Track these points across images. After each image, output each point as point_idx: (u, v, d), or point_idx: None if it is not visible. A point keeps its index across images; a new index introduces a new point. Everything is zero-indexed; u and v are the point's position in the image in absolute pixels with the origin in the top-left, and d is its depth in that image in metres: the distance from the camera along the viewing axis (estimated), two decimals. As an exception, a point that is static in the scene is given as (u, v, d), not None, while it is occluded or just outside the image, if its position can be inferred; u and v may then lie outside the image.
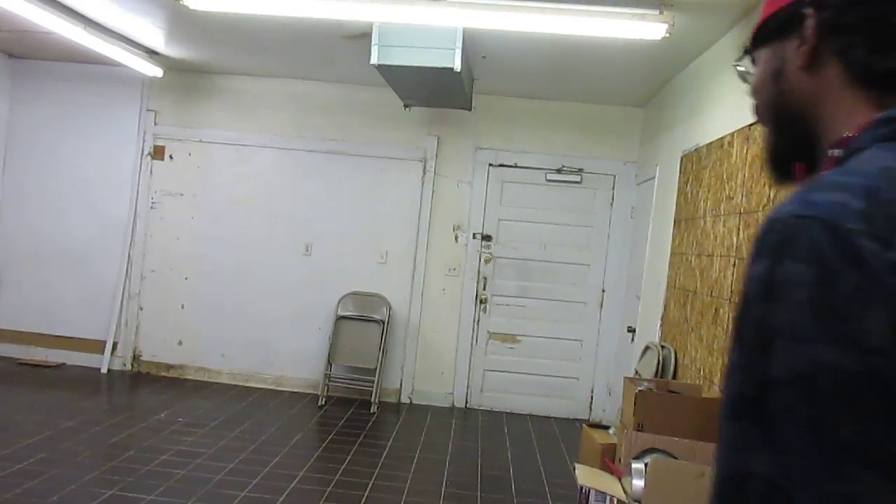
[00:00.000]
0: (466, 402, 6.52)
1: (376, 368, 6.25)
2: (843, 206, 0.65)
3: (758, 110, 0.94)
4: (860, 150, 0.73)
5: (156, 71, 6.19)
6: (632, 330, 5.58)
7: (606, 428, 4.12)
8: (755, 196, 3.27)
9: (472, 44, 4.68)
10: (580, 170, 6.43)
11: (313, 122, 6.60)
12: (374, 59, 4.31)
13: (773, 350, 0.63)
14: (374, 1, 3.79)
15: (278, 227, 6.61)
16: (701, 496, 2.22)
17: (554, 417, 6.41)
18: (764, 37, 0.90)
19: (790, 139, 0.88)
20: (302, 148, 6.60)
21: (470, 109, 6.12)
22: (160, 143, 6.72)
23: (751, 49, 0.94)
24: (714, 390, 3.49)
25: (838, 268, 0.62)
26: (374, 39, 4.28)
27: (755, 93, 0.93)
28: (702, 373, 3.75)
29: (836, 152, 0.77)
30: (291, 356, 6.61)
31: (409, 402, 6.53)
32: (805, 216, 0.65)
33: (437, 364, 6.52)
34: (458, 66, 4.27)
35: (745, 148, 3.47)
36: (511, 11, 3.78)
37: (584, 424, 4.31)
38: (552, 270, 6.47)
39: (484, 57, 5.12)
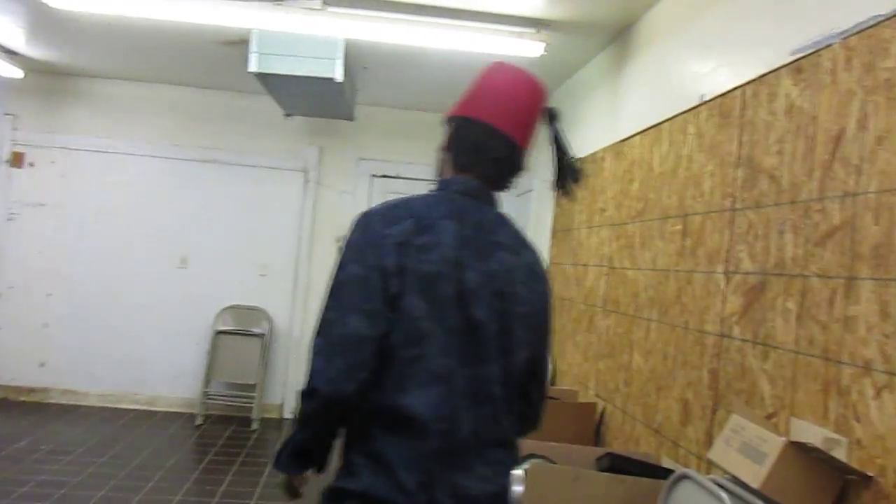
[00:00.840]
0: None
1: (257, 384, 6.09)
2: (378, 208, 1.60)
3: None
4: (436, 190, 1.69)
5: (15, 72, 5.79)
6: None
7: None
8: (625, 209, 3.43)
9: (354, 54, 4.67)
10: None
11: (189, 130, 6.37)
12: (252, 67, 4.21)
13: (341, 267, 1.54)
14: (253, 7, 3.71)
15: (152, 239, 6.33)
16: (577, 497, 2.30)
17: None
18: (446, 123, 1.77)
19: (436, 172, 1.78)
20: (177, 157, 6.35)
21: (352, 119, 6.09)
22: (19, 149, 6.29)
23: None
24: (590, 395, 3.62)
25: (359, 232, 1.56)
26: (253, 47, 4.19)
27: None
28: (578, 378, 3.88)
29: (435, 185, 1.72)
30: (166, 374, 6.33)
31: (292, 417, 6.39)
32: (362, 212, 1.60)
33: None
34: (339, 76, 4.24)
35: (616, 163, 3.64)
36: (392, 24, 3.80)
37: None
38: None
39: (366, 67, 5.12)
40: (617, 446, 3.16)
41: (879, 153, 1.72)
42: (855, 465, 1.68)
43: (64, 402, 6.25)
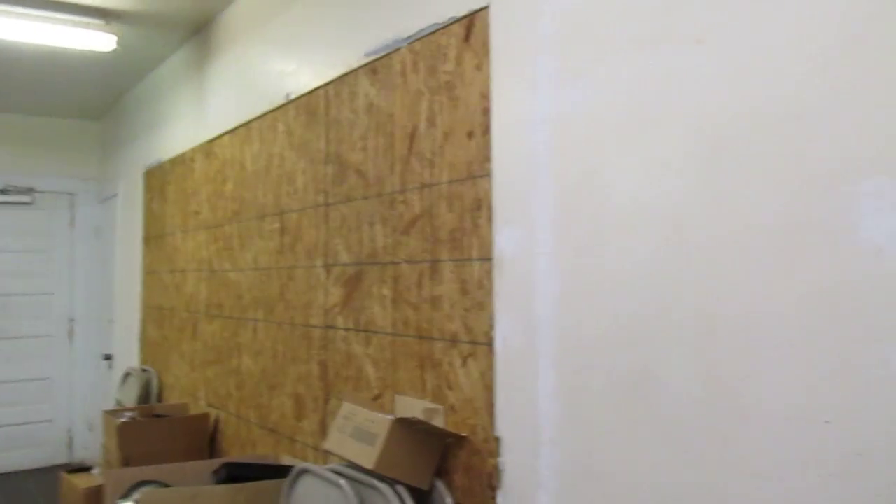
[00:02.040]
0: None
1: None
2: None
3: None
4: None
5: None
6: (109, 357, 5.21)
7: (89, 469, 3.77)
8: (220, 210, 3.34)
9: None
10: (31, 189, 5.73)
11: None
12: None
13: None
14: None
15: None
16: (198, 518, 2.18)
17: (28, 471, 5.62)
18: None
19: None
20: None
21: None
22: None
23: None
24: (200, 405, 3.47)
25: None
26: None
27: None
28: (187, 390, 3.69)
29: None
30: None
31: None
32: None
33: None
34: None
35: (207, 163, 3.52)
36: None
37: (63, 472, 3.86)
38: (8, 305, 5.65)
39: None
40: (235, 453, 3.08)
41: (447, 147, 1.92)
42: (451, 428, 1.86)
43: None
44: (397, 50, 2.14)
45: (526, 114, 1.67)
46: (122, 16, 3.50)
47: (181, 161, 3.88)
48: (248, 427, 3.00)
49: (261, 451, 2.87)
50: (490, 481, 1.75)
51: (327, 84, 2.50)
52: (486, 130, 1.78)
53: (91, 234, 5.90)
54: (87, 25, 3.39)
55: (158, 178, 4.24)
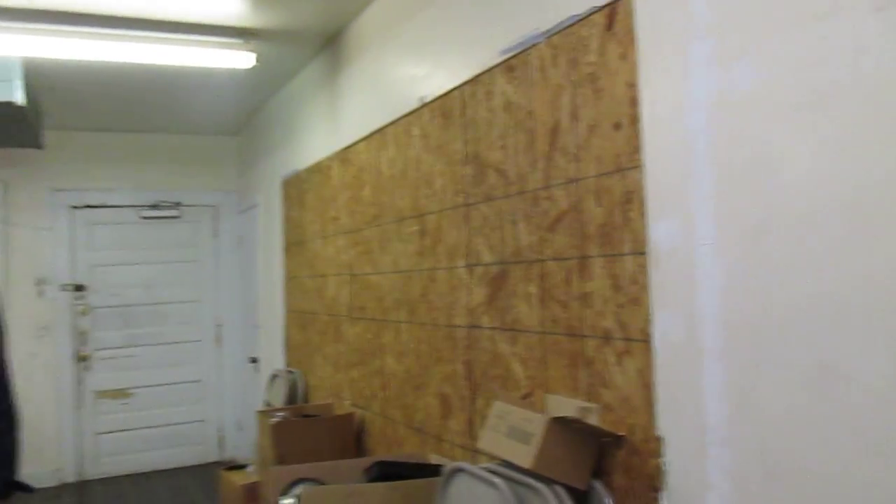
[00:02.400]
0: (80, 476, 5.75)
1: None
2: None
3: None
4: None
5: None
6: (255, 360, 5.48)
7: (244, 467, 3.97)
8: (359, 215, 3.43)
9: (36, 74, 4.14)
10: (178, 203, 6.12)
11: None
12: None
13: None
14: None
15: None
16: (355, 515, 2.24)
17: (184, 468, 5.99)
18: None
19: None
20: None
21: (41, 147, 5.41)
22: None
23: None
24: (346, 405, 3.58)
25: None
26: None
27: None
28: (332, 391, 3.82)
29: None
30: None
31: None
32: None
33: (36, 440, 5.62)
34: (20, 99, 3.73)
35: (344, 170, 3.63)
36: (80, 39, 3.42)
37: (220, 469, 4.09)
38: (160, 312, 6.05)
39: (52, 88, 4.57)
40: (381, 452, 3.15)
41: (592, 141, 1.88)
42: (608, 427, 1.82)
43: None
44: (534, 45, 2.12)
45: (679, 101, 1.60)
46: (259, 33, 3.66)
47: (318, 169, 4.01)
48: (394, 426, 3.06)
49: (408, 449, 2.93)
50: (652, 482, 1.69)
51: (462, 85, 2.51)
52: (635, 121, 1.73)
53: (234, 243, 6.23)
54: (228, 46, 3.57)
55: (296, 187, 4.41)
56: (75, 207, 5.82)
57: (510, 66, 2.24)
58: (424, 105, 2.78)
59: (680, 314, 1.61)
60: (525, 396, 2.15)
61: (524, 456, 1.81)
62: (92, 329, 5.82)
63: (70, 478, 5.72)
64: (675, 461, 1.63)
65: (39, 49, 3.44)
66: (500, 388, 2.28)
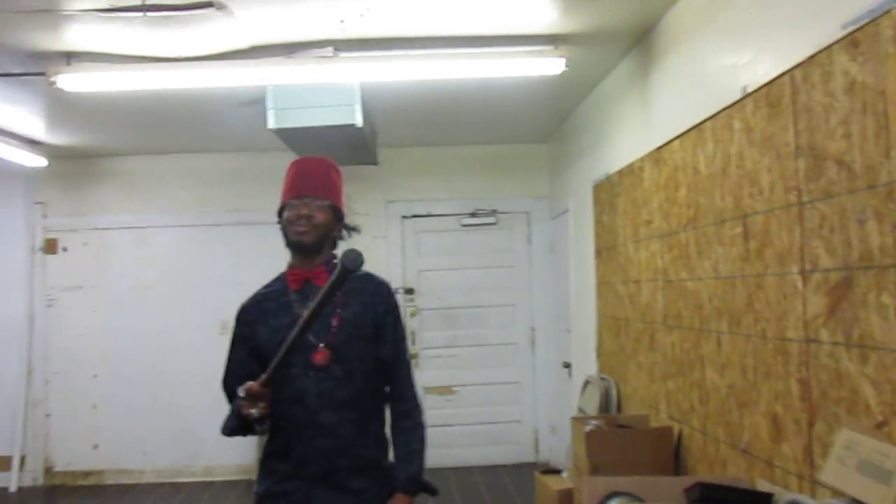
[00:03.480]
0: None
1: (312, 443, 5.92)
2: None
3: (315, 232, 2.17)
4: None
5: (39, 161, 5.82)
6: (568, 365, 5.50)
7: (559, 472, 3.99)
8: (674, 218, 3.25)
9: (370, 97, 4.58)
10: (494, 211, 6.39)
11: (215, 195, 6.34)
12: (271, 124, 4.14)
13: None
14: (265, 64, 3.64)
15: (189, 307, 6.26)
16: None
17: (501, 465, 6.23)
18: (334, 207, 2.22)
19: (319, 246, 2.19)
20: (206, 223, 6.32)
21: (376, 163, 6.01)
22: (52, 235, 6.31)
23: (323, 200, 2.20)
24: (662, 418, 3.41)
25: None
26: (269, 103, 4.12)
27: (318, 225, 2.17)
28: (646, 402, 3.67)
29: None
30: (220, 443, 6.14)
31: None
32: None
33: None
34: (359, 121, 4.16)
35: (657, 171, 3.47)
36: (408, 61, 3.71)
37: (536, 472, 4.15)
38: (479, 315, 6.36)
39: (384, 109, 5.04)
40: (701, 472, 2.94)
41: (970, 120, 1.54)
42: None
43: (120, 482, 6.16)
44: (887, 13, 1.80)
45: None
46: (569, 38, 3.65)
47: (629, 172, 3.89)
48: (716, 445, 2.83)
49: (731, 472, 2.69)
50: None
51: (792, 69, 2.24)
52: None
53: (546, 248, 6.34)
54: (539, 54, 3.61)
55: (607, 191, 4.34)
56: (405, 217, 6.36)
57: (854, 40, 1.93)
58: (747, 95, 2.53)
59: None
60: (879, 426, 1.83)
61: (882, 497, 1.53)
62: (419, 329, 6.32)
63: (402, 465, 6.24)
64: None
65: (374, 74, 3.80)
66: (846, 413, 1.97)
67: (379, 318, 2.21)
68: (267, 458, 2.23)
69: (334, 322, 2.13)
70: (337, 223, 2.24)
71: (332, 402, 2.10)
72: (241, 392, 1.98)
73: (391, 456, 2.23)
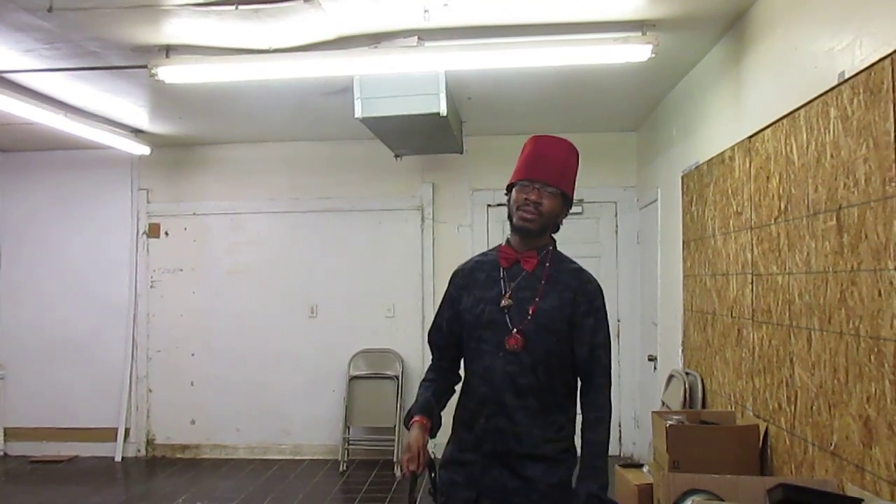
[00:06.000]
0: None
1: (395, 427, 6.05)
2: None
3: (540, 219, 2.21)
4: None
5: (143, 149, 6.14)
6: (653, 358, 5.39)
7: (640, 466, 3.92)
8: (765, 209, 3.13)
9: (455, 86, 4.60)
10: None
11: (306, 183, 6.52)
12: (358, 113, 4.22)
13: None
14: (352, 54, 3.71)
15: (281, 292, 6.49)
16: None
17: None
18: (563, 195, 2.26)
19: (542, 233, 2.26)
20: (297, 209, 6.51)
21: (462, 152, 6.03)
22: (155, 220, 6.64)
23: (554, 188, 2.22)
24: (748, 415, 3.30)
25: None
26: (357, 93, 4.20)
27: (546, 213, 2.22)
28: (732, 398, 3.56)
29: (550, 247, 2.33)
30: (307, 423, 6.42)
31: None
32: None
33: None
34: (444, 110, 4.18)
35: (748, 161, 3.35)
36: (492, 49, 3.70)
37: (616, 465, 4.10)
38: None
39: (469, 98, 5.05)
40: (787, 473, 2.84)
41: None
42: None
43: (215, 456, 6.45)
44: None
45: None
46: (658, 24, 3.56)
47: (719, 162, 3.77)
48: (803, 446, 2.72)
49: (819, 474, 2.58)
50: None
51: (893, 53, 2.12)
52: None
53: (633, 239, 6.22)
54: (626, 41, 3.54)
55: (696, 181, 4.21)
56: (490, 206, 6.36)
57: (961, 23, 1.81)
58: (844, 81, 2.41)
59: None
60: (978, 433, 1.73)
61: (975, 509, 1.45)
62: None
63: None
64: None
65: (458, 62, 3.81)
66: (943, 418, 1.86)
67: (577, 318, 2.20)
68: (455, 428, 2.33)
69: (531, 310, 2.17)
70: (564, 209, 2.28)
71: (514, 386, 2.15)
72: (404, 450, 2.30)
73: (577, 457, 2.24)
